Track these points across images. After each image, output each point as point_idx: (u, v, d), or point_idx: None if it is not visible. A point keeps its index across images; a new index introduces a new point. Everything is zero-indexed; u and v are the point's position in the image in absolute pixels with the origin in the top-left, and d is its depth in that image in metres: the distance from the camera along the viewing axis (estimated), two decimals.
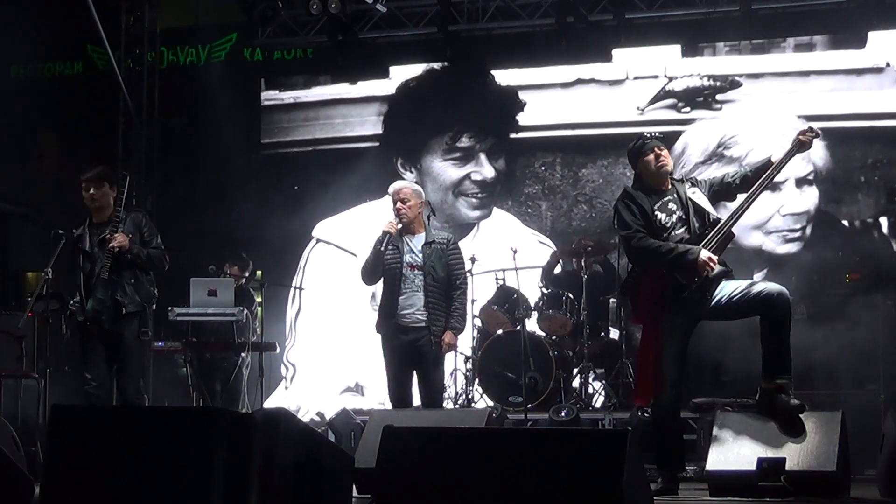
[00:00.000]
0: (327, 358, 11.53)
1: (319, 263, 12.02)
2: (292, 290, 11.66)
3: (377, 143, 12.09)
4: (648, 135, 6.59)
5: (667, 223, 6.36)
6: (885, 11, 10.14)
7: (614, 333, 9.83)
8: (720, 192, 6.57)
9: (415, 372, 7.47)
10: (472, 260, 9.81)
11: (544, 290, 9.82)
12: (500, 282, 9.89)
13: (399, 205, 7.41)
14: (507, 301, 9.71)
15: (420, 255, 7.40)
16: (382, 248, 7.35)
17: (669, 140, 10.86)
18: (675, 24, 10.81)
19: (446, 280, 7.44)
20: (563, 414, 8.66)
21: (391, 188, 7.58)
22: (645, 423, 8.05)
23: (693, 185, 6.52)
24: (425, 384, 7.41)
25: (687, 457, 7.74)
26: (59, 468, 4.21)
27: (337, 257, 11.83)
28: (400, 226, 7.41)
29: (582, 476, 4.06)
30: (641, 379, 6.70)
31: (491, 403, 9.31)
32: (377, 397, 11.04)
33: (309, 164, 12.19)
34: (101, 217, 7.28)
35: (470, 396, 9.61)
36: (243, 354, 9.71)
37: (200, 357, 9.90)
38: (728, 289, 6.33)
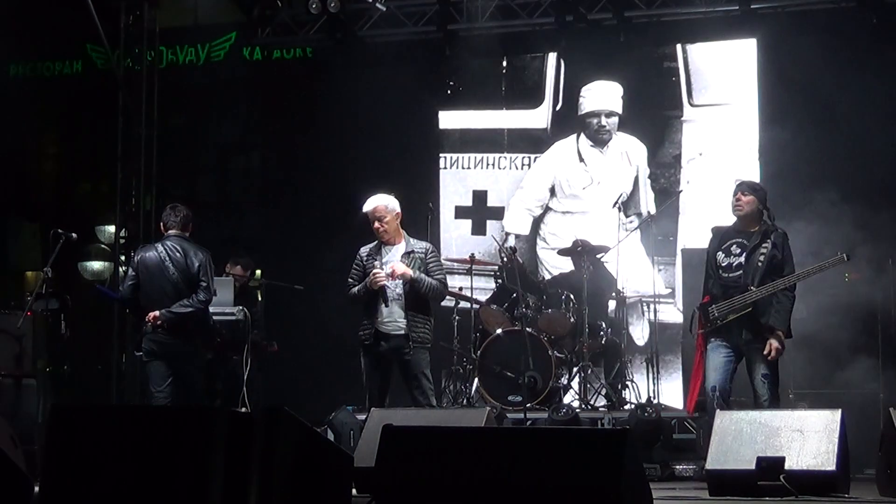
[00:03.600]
0: None
1: None
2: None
3: None
4: (738, 180, 7.25)
5: (723, 262, 6.91)
6: (887, 12, 10.00)
7: (613, 333, 9.82)
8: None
9: (404, 381, 7.50)
10: (472, 258, 9.80)
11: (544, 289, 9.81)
12: (500, 281, 9.88)
13: (377, 224, 7.43)
14: (507, 300, 9.70)
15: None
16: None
17: None
18: (675, 23, 10.75)
19: None
20: (562, 413, 8.66)
21: (366, 208, 7.52)
22: (644, 423, 8.07)
23: (776, 249, 6.81)
24: (418, 392, 7.41)
25: (686, 456, 7.78)
26: (58, 468, 4.22)
27: None
28: (382, 279, 7.34)
29: (581, 475, 4.06)
30: (692, 388, 7.39)
31: (491, 403, 9.30)
32: None
33: None
34: None
35: (469, 396, 9.60)
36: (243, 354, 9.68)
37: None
38: (755, 371, 6.85)
